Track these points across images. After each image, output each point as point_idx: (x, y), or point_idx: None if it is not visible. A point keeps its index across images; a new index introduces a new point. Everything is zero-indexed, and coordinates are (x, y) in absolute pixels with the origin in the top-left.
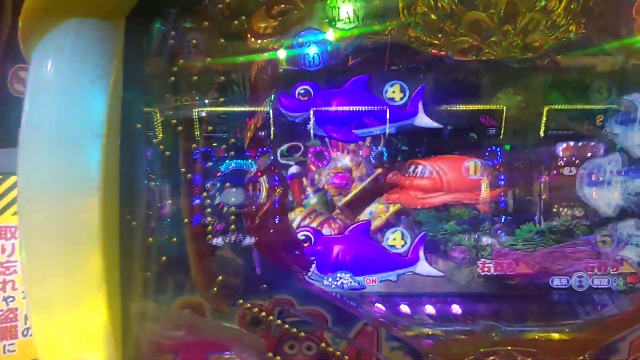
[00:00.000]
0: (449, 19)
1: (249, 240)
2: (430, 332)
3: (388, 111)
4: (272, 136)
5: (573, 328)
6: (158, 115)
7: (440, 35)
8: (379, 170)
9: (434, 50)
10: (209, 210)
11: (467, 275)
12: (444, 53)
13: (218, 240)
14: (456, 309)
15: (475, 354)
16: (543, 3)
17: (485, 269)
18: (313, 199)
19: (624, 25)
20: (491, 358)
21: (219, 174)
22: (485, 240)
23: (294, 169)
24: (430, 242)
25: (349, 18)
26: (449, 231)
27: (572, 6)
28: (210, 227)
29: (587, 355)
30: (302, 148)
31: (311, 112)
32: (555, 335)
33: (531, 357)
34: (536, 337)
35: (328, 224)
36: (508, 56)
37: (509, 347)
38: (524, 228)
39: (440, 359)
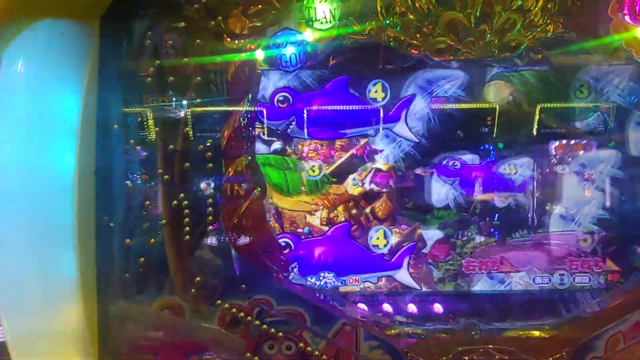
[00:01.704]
0: (427, 19)
1: (226, 241)
2: (410, 331)
3: (372, 111)
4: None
5: (553, 326)
6: (135, 116)
7: (418, 36)
8: (365, 140)
9: (413, 50)
10: (186, 211)
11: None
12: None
13: (196, 241)
14: (438, 307)
15: (454, 352)
16: (520, 3)
17: (470, 268)
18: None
19: (602, 24)
20: (469, 356)
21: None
22: (469, 239)
23: (277, 145)
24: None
25: (325, 18)
26: (431, 240)
27: (549, 6)
28: (188, 228)
29: (564, 353)
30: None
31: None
32: (536, 333)
33: (509, 356)
34: (515, 335)
35: None
36: (485, 56)
37: (490, 346)
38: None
39: (419, 357)
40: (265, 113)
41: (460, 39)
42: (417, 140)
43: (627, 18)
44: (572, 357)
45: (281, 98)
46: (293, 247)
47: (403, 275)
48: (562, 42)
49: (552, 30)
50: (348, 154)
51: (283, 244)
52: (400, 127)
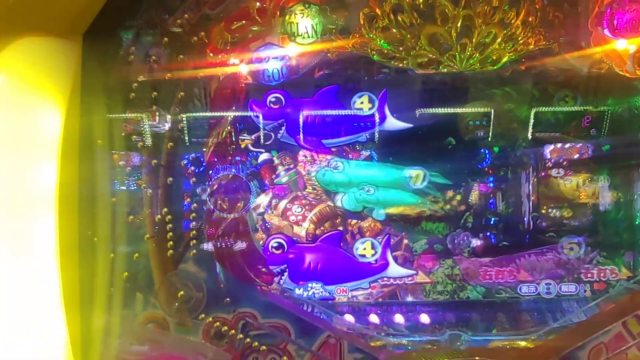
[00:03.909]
0: (409, 33)
1: (210, 248)
2: (396, 342)
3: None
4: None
5: (538, 336)
6: (119, 131)
7: (401, 49)
8: (367, 154)
9: (396, 64)
10: (170, 225)
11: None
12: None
13: (180, 255)
14: (424, 318)
15: None
16: (500, 16)
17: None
18: (284, 178)
19: (582, 37)
20: None
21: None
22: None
23: (264, 156)
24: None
25: (307, 33)
26: (418, 251)
27: (530, 19)
28: (172, 242)
29: None
30: (273, 137)
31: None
32: (521, 343)
33: None
34: (501, 345)
35: (298, 200)
36: (467, 69)
37: (477, 357)
38: None
39: None
40: (258, 115)
41: (442, 52)
42: (410, 125)
43: (606, 32)
44: None
45: (274, 99)
46: (286, 248)
47: (394, 270)
48: (544, 54)
49: (533, 42)
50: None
51: (276, 244)
52: (389, 123)
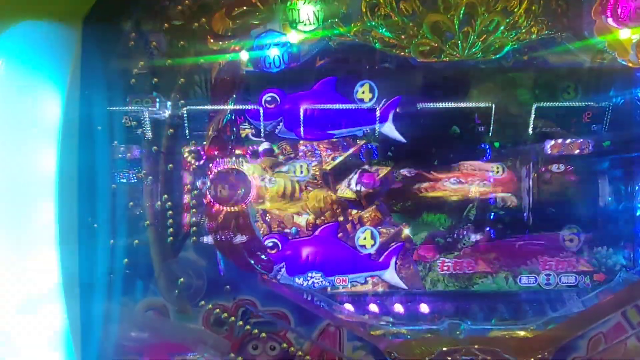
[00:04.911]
0: (411, 20)
1: (210, 241)
2: (395, 331)
3: (360, 112)
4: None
5: (537, 326)
6: (119, 117)
7: (403, 37)
8: (363, 142)
9: (398, 52)
10: (170, 212)
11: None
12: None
13: (180, 242)
14: (424, 308)
15: (438, 352)
16: (503, 4)
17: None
18: (284, 167)
19: (586, 26)
20: (452, 357)
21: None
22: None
23: (264, 146)
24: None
25: (309, 20)
26: (417, 244)
27: (532, 7)
28: (172, 230)
29: (546, 353)
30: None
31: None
32: (520, 333)
33: (492, 356)
34: (500, 335)
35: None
36: (470, 58)
37: (476, 346)
38: None
39: (403, 357)
40: (253, 114)
41: (444, 40)
42: (404, 141)
43: (609, 21)
44: (554, 357)
45: (269, 99)
46: (280, 248)
47: (390, 276)
48: (547, 43)
49: (536, 32)
50: (347, 153)
51: (270, 244)
52: (387, 128)
